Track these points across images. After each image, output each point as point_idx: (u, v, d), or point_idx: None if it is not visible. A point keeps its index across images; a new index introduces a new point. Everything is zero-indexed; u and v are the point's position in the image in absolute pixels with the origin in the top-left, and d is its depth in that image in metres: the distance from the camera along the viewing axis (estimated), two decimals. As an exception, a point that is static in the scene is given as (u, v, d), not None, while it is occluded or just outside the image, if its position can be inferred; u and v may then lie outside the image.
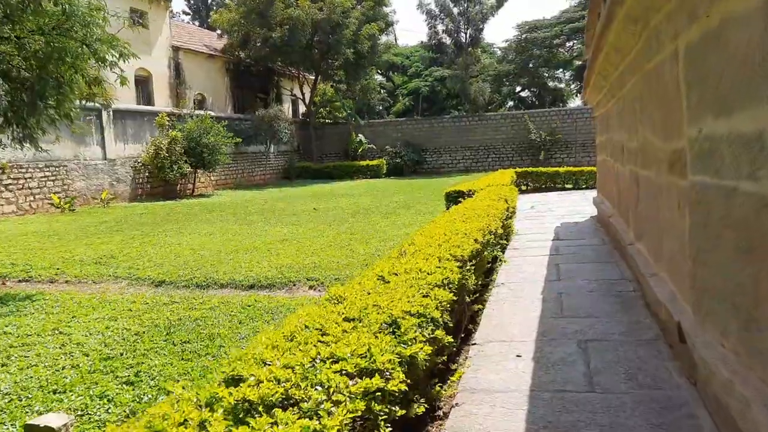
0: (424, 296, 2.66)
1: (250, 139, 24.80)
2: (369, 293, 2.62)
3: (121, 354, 4.36)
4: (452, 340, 3.04)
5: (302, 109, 32.76)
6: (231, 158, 24.05)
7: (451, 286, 3.09)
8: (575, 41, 40.77)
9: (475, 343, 4.20)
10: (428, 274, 3.03)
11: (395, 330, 2.17)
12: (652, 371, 3.43)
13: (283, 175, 28.44)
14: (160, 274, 7.49)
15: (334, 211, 14.64)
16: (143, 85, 22.28)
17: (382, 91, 47.21)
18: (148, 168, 19.03)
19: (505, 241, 7.48)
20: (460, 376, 3.31)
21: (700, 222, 2.71)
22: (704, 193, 2.68)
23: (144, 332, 4.89)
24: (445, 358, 3.07)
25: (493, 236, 5.33)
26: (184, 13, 56.84)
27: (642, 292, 5.00)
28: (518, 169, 17.61)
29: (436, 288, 2.83)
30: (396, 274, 3.01)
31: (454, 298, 3.19)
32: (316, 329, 2.13)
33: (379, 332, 2.11)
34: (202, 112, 20.96)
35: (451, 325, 3.09)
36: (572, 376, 3.44)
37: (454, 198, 9.97)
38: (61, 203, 15.22)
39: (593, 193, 15.63)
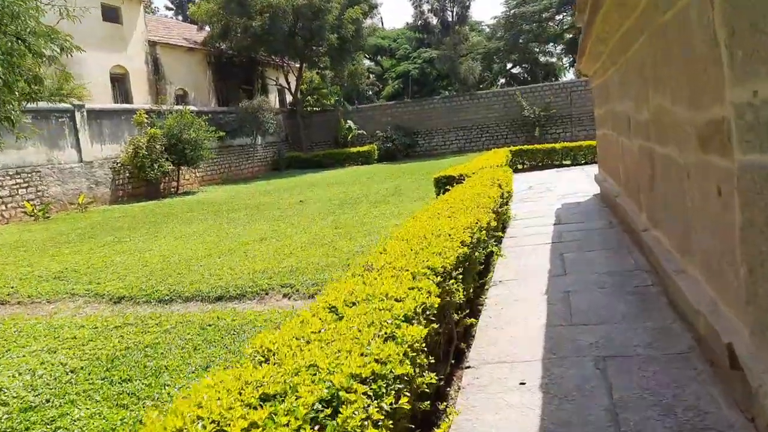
0: (387, 339, 1.92)
1: (235, 132, 23.96)
2: (309, 342, 1.88)
3: (47, 401, 3.64)
4: (435, 378, 2.32)
5: (290, 98, 31.85)
6: (216, 153, 23.24)
7: (428, 313, 2.35)
8: (565, 14, 39.75)
9: (468, 366, 3.48)
10: (397, 300, 2.29)
11: (335, 414, 1.44)
12: (693, 401, 2.70)
13: (273, 166, 27.62)
14: (121, 289, 6.75)
15: (321, 202, 13.88)
16: (120, 83, 21.37)
17: (371, 75, 46.27)
18: (128, 168, 18.22)
19: (500, 233, 6.75)
20: (448, 428, 2.58)
21: (761, 219, 1.96)
22: (766, 180, 1.93)
23: (82, 368, 4.16)
24: (427, 404, 2.33)
25: (485, 232, 4.59)
26: (167, 8, 55.65)
27: (664, 289, 4.27)
28: (513, 148, 16.84)
29: (406, 323, 2.09)
30: (354, 304, 2.27)
31: (435, 326, 2.45)
32: (212, 423, 1.39)
33: (306, 423, 1.37)
34: (180, 107, 20.09)
35: (432, 360, 2.36)
36: (592, 413, 2.71)
37: (443, 184, 9.21)
38: (35, 211, 14.45)
39: (594, 169, 14.87)
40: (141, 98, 21.54)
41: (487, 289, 5.06)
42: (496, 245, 5.75)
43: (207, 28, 26.48)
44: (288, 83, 29.24)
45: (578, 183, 12.29)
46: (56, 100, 16.56)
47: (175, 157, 18.97)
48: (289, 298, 6.01)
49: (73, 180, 16.36)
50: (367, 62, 48.41)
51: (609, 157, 8.32)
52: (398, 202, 12.41)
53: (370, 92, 42.30)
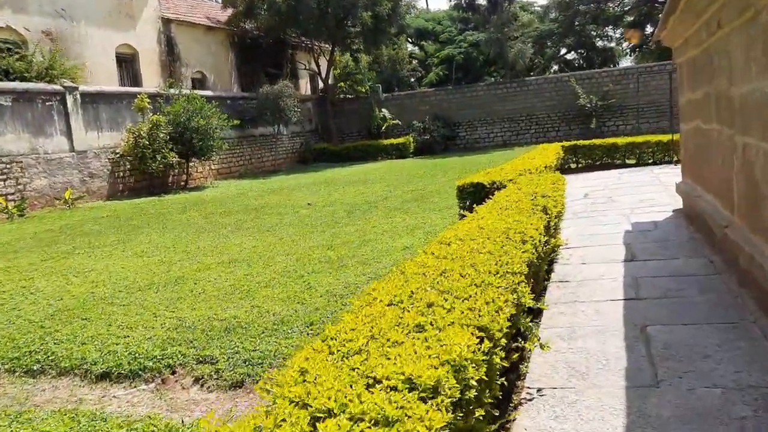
0: None
1: (256, 120, 21.96)
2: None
3: None
4: None
5: (321, 84, 29.71)
6: (235, 143, 21.34)
7: None
8: (627, -7, 36.19)
9: None
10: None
11: None
12: None
13: (299, 158, 25.58)
14: (-12, 344, 4.70)
15: (332, 206, 11.67)
16: (128, 64, 19.64)
17: (413, 61, 43.76)
18: (128, 160, 16.44)
19: (543, 282, 4.37)
20: None
21: None
22: None
23: None
24: None
25: (512, 324, 2.26)
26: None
27: None
28: (566, 143, 14.18)
29: None
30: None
31: None
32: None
33: None
34: (187, 91, 18.16)
35: None
36: None
37: (469, 194, 6.83)
38: (9, 207, 12.74)
39: (665, 169, 12.11)
40: (152, 82, 19.78)
41: (518, 405, 2.72)
42: (531, 323, 3.37)
43: (231, 7, 24.48)
44: (318, 67, 27.09)
45: (649, 191, 9.64)
46: (45, 81, 14.97)
47: (181, 147, 17.08)
48: (202, 386, 3.81)
49: (62, 172, 14.64)
50: (409, 47, 45.97)
51: (707, 163, 5.75)
52: (419, 210, 10.06)
53: (412, 79, 39.90)
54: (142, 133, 16.23)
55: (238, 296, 5.41)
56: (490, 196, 5.87)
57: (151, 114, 16.71)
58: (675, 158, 13.19)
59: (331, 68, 27.10)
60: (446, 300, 2.03)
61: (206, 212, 12.20)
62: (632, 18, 36.73)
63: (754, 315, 3.72)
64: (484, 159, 19.99)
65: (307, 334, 4.14)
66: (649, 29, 38.70)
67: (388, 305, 2.07)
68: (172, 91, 18.11)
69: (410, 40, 45.38)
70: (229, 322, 4.64)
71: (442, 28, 41.39)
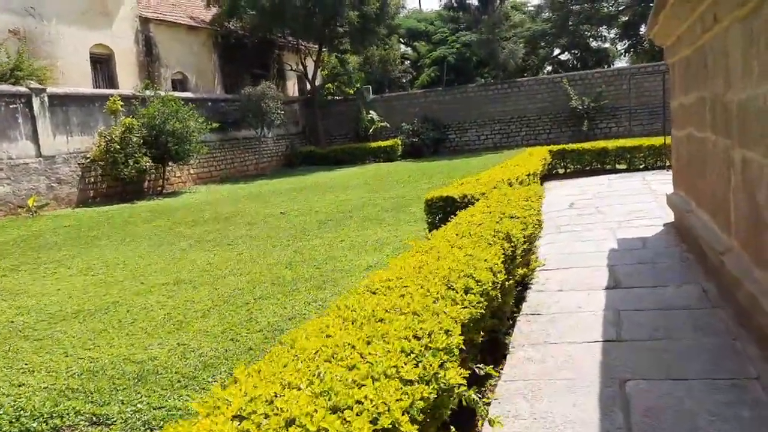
0: None
1: (239, 123, 21.27)
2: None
3: None
4: None
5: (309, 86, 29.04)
6: (216, 146, 20.65)
7: None
8: (621, -8, 35.64)
9: None
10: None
11: None
12: None
13: (285, 161, 24.90)
14: None
15: (304, 215, 11.02)
16: (103, 65, 18.93)
17: (406, 61, 43.12)
18: (100, 165, 15.74)
19: (510, 315, 3.72)
20: None
21: None
22: None
23: None
24: None
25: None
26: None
27: None
28: (554, 147, 13.55)
29: None
30: None
31: None
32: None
33: None
34: (162, 93, 17.46)
35: None
36: None
37: (438, 209, 6.17)
38: (-36, 217, 12.07)
39: (657, 176, 11.47)
40: (129, 83, 19.07)
41: None
42: (485, 387, 2.72)
43: (215, 6, 23.77)
44: (305, 68, 26.42)
45: (639, 201, 9.00)
46: (10, 82, 14.27)
47: (156, 151, 16.39)
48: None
49: (27, 178, 13.93)
50: (402, 48, 45.32)
51: (701, 176, 5.11)
52: (394, 221, 9.40)
53: (404, 80, 39.28)
54: (113, 137, 15.54)
55: (168, 329, 4.74)
56: (460, 212, 5.24)
57: (124, 117, 16.01)
58: (667, 163, 12.58)
59: (318, 69, 26.44)
60: (316, 412, 1.38)
61: (173, 221, 11.52)
62: (626, 18, 36.19)
63: (758, 368, 3.07)
64: (472, 163, 19.33)
65: (223, 385, 3.48)
66: (643, 29, 38.20)
67: (233, 418, 1.42)
68: (148, 92, 17.42)
69: (402, 40, 44.72)
70: (145, 365, 3.97)
71: (435, 28, 40.75)
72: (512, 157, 12.09)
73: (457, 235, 3.55)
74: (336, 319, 2.04)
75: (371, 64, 35.46)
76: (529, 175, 9.40)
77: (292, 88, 29.25)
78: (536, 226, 4.68)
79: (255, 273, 6.58)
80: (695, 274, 4.80)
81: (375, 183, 15.90)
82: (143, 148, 16.07)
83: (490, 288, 2.49)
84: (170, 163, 17.60)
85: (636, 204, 8.63)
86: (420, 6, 43.57)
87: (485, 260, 2.81)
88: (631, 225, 7.22)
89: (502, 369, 3.32)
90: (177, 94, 19.18)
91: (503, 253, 3.17)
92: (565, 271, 5.37)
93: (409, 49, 46.29)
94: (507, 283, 3.27)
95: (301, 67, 26.75)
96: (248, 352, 4.03)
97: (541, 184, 12.25)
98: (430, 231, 6.20)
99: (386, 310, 1.97)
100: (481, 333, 2.44)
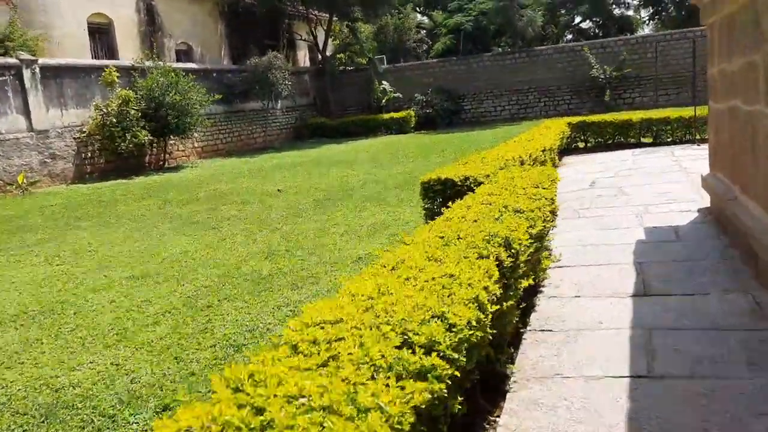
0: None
1: (245, 94, 20.44)
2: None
3: None
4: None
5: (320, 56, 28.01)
6: (222, 118, 19.90)
7: None
8: (647, -45, 33.81)
9: None
10: None
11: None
12: None
13: (295, 134, 24.10)
14: None
15: (302, 193, 10.29)
16: (102, 35, 18.13)
17: (421, 31, 41.77)
18: (97, 139, 15.10)
19: (514, 332, 2.93)
20: None
21: None
22: None
23: None
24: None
25: None
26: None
27: None
28: (573, 119, 12.54)
29: None
30: None
31: None
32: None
33: None
34: (164, 64, 16.65)
35: None
36: None
37: (437, 193, 5.37)
38: (-52, 196, 11.52)
39: (687, 151, 10.46)
40: (131, 54, 18.28)
41: None
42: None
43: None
44: (316, 38, 25.39)
45: (669, 180, 8.08)
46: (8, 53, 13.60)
47: (156, 124, 15.69)
48: None
49: (18, 153, 13.34)
50: (417, 16, 43.86)
51: (751, 159, 4.23)
52: (396, 201, 8.62)
53: (419, 50, 38.05)
54: (109, 110, 14.85)
55: (109, 340, 4.04)
56: (454, 203, 4.44)
57: (121, 89, 15.29)
58: (698, 137, 11.56)
59: (328, 38, 25.40)
60: None
61: (165, 200, 10.86)
62: (653, -18, 34.39)
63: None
64: (487, 135, 18.37)
65: (145, 429, 2.77)
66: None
67: None
68: (148, 63, 16.65)
69: (418, 9, 43.32)
70: (62, 395, 3.27)
71: (451, -5, 39.26)
72: (528, 130, 11.16)
73: (442, 238, 2.76)
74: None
75: (385, 34, 34.24)
76: (544, 150, 8.52)
77: (303, 58, 28.27)
78: (547, 220, 3.87)
79: (230, 265, 5.87)
80: (743, 278, 3.97)
81: (383, 157, 15.07)
82: (142, 121, 15.37)
83: (468, 334, 1.72)
84: (172, 137, 16.92)
85: (665, 184, 7.72)
86: (437, -28, 42.07)
87: (469, 284, 2.03)
88: (660, 210, 6.35)
89: (498, 416, 2.56)
90: (179, 65, 18.41)
91: (499, 269, 2.39)
92: (584, 269, 4.57)
93: (425, 18, 44.89)
94: (505, 305, 2.48)
95: (311, 37, 25.73)
96: (188, 379, 3.31)
97: (560, 159, 11.35)
98: (427, 220, 5.42)
99: (288, 399, 1.22)
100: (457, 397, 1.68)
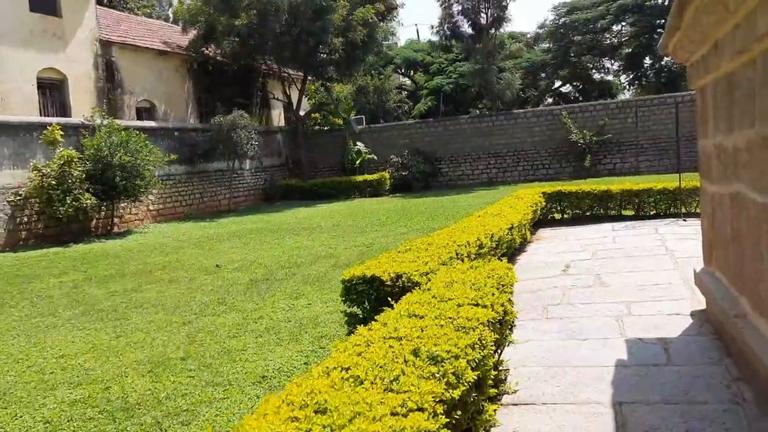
0: None
1: (209, 154, 19.42)
2: None
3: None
4: None
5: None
6: (182, 179, 18.81)
7: None
8: (623, 23, 34.18)
9: None
10: None
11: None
12: None
13: (265, 196, 23.03)
14: None
15: (243, 271, 9.05)
16: (55, 90, 17.21)
17: (403, 92, 41.73)
18: (34, 202, 13.86)
19: None
20: None
21: None
22: None
23: None
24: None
25: None
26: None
27: None
28: (549, 188, 11.55)
29: None
30: None
31: None
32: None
33: None
34: (120, 122, 15.62)
35: None
36: None
37: (361, 296, 4.18)
38: None
39: (672, 228, 9.32)
40: (85, 111, 17.30)
41: None
42: None
43: (192, 29, 22.18)
44: (289, 97, 24.73)
45: (653, 265, 6.97)
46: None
47: (102, 187, 14.52)
48: None
49: (-62, 218, 12.04)
50: (400, 78, 43.90)
51: (765, 266, 3.09)
52: (340, 287, 7.39)
53: (400, 111, 37.80)
54: (49, 171, 13.68)
55: None
56: (394, 301, 3.26)
57: (64, 149, 14.17)
58: (683, 210, 10.58)
59: (302, 98, 24.74)
60: None
61: (87, 275, 9.55)
62: (630, 49, 34.64)
63: None
64: (461, 201, 17.41)
65: None
66: (647, 61, 36.63)
67: None
68: (99, 121, 15.61)
69: (400, 71, 43.41)
70: None
71: (432, 59, 39.38)
72: (497, 201, 10.11)
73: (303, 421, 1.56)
74: None
75: (365, 94, 33.95)
76: (512, 228, 7.42)
77: (278, 117, 27.56)
78: (485, 365, 2.66)
79: (100, 382, 4.57)
80: (761, 427, 2.77)
81: (347, 224, 13.95)
82: (86, 183, 14.20)
83: None
84: (123, 200, 15.72)
85: (649, 273, 6.59)
86: (418, 36, 42.26)
87: None
88: (645, 310, 5.19)
89: None
90: (135, 123, 17.46)
91: None
92: (544, 413, 3.34)
93: (407, 79, 44.99)
94: None
95: (285, 96, 25.05)
96: None
97: (534, 233, 10.28)
98: (349, 331, 4.21)
99: None
100: None
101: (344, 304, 4.30)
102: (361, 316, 4.21)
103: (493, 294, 3.34)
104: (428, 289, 3.51)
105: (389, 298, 3.87)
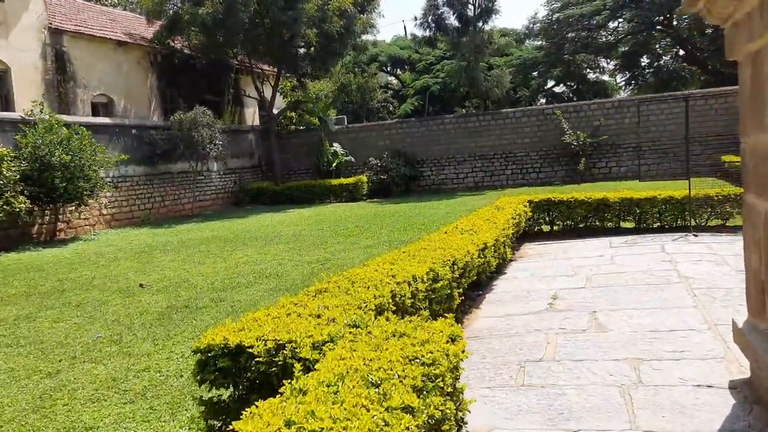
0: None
1: (170, 154, 17.80)
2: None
3: None
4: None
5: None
6: (140, 181, 17.22)
7: None
8: (620, 20, 32.76)
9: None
10: None
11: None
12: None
13: (234, 199, 21.43)
14: None
15: (169, 290, 7.52)
16: (-6, 81, 15.63)
17: (388, 91, 40.25)
18: (-41, 205, 12.27)
19: None
20: None
21: None
22: None
23: None
24: None
25: None
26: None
27: None
28: (535, 196, 10.04)
29: None
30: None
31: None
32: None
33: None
34: (67, 118, 14.00)
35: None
36: None
37: (224, 376, 2.65)
38: None
39: (681, 245, 7.61)
40: (29, 104, 15.67)
41: None
42: None
43: (156, 20, 20.55)
44: (260, 94, 23.15)
45: (664, 301, 5.45)
46: None
47: (41, 189, 12.94)
48: None
49: None
50: (385, 76, 42.38)
51: None
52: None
53: (384, 111, 36.30)
54: (-26, 171, 12.07)
55: None
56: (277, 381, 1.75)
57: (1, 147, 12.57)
58: (693, 223, 9.10)
59: (275, 95, 23.15)
60: None
61: (-15, 297, 7.97)
62: (626, 48, 33.25)
63: None
64: (441, 208, 15.90)
65: None
66: (644, 61, 35.28)
67: None
68: (42, 116, 13.99)
69: (385, 69, 41.91)
70: None
71: (419, 56, 37.88)
72: (472, 213, 8.59)
73: None
74: None
75: (348, 93, 32.42)
76: (484, 248, 5.90)
77: (252, 116, 25.96)
78: None
79: None
80: None
81: (311, 234, 12.40)
82: (21, 185, 12.61)
83: None
84: (69, 203, 14.12)
85: (662, 312, 5.09)
86: (405, 33, 40.75)
87: None
88: (661, 376, 3.68)
89: None
90: (85, 119, 15.87)
91: None
92: None
93: (392, 78, 43.49)
94: None
95: (258, 93, 23.45)
96: None
97: (518, 250, 8.78)
98: (208, 429, 2.67)
99: None
100: None
101: (200, 386, 2.76)
102: (226, 404, 2.67)
103: (412, 407, 1.81)
104: (302, 393, 1.97)
105: (272, 379, 2.36)
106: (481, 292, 6.31)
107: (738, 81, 3.53)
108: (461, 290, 5.10)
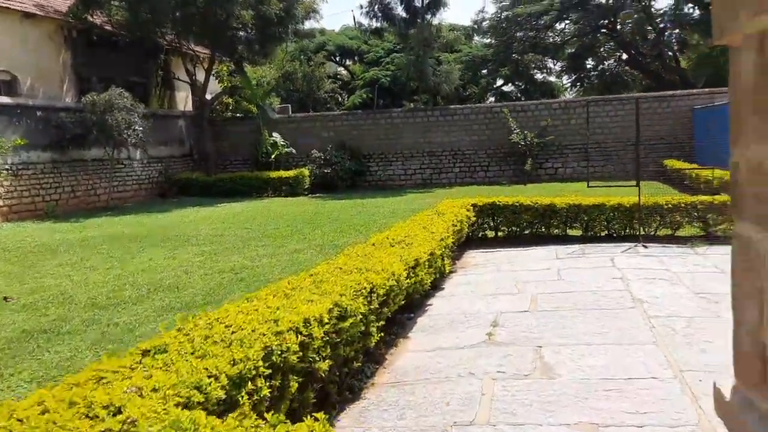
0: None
1: (83, 139, 16.08)
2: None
3: None
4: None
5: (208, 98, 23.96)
6: (46, 169, 15.49)
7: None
8: (567, 21, 32.57)
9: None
10: None
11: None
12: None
13: (160, 190, 19.82)
14: None
15: (38, 307, 6.21)
16: None
17: (337, 82, 38.96)
18: None
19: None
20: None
21: None
22: None
23: None
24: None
25: None
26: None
27: None
28: (480, 200, 9.14)
29: None
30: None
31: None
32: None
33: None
34: None
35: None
36: None
37: None
38: None
39: (630, 258, 6.63)
40: None
41: None
42: None
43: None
44: (191, 77, 21.56)
45: (619, 332, 4.59)
46: None
47: None
48: None
49: None
50: (334, 66, 41.08)
51: None
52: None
53: (332, 102, 35.05)
54: None
55: None
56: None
57: None
58: (642, 232, 8.40)
59: (209, 79, 21.58)
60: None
61: None
62: (573, 50, 33.12)
63: None
64: (387, 206, 14.91)
65: None
66: (590, 63, 35.32)
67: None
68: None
69: (334, 58, 40.61)
70: None
71: (369, 47, 36.78)
72: (408, 219, 7.62)
73: None
74: None
75: (293, 81, 30.98)
76: (416, 266, 4.90)
77: (185, 100, 24.23)
78: None
79: None
80: None
81: (235, 234, 11.18)
82: None
83: None
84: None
85: (618, 348, 4.22)
86: (355, 23, 39.52)
87: None
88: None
89: None
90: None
91: None
92: None
93: (342, 68, 42.24)
94: None
95: (190, 76, 21.81)
96: None
97: (459, 258, 7.86)
98: None
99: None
100: None
101: None
102: None
103: None
104: None
105: None
106: (412, 315, 5.33)
107: (729, 75, 2.62)
108: (381, 323, 4.09)
